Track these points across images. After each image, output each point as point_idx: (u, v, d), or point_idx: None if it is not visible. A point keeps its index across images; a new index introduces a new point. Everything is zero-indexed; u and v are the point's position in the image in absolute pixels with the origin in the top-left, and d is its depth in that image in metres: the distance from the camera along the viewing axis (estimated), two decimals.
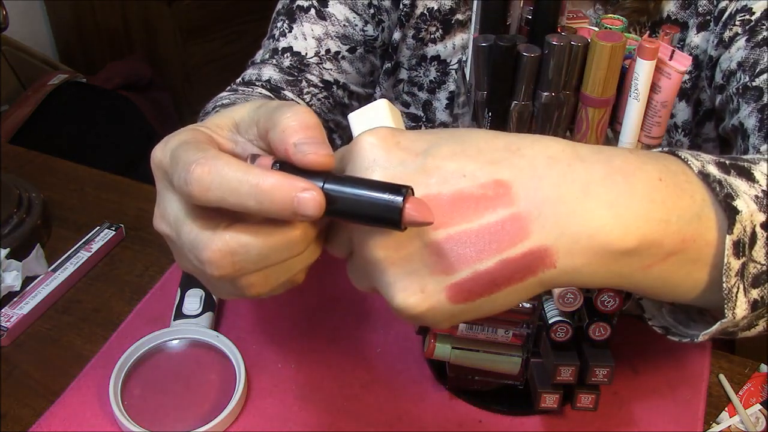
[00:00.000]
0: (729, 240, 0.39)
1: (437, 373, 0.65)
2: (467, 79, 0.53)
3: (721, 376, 0.66)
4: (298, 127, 0.38)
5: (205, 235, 0.38)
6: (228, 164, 0.37)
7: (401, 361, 0.67)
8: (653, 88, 0.48)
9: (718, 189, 0.40)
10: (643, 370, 0.66)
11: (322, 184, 0.37)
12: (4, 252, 0.75)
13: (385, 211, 0.36)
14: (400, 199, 0.36)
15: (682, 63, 0.47)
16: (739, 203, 0.40)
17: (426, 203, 0.36)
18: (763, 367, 0.67)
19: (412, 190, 0.37)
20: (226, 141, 0.42)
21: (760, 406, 0.64)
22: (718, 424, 0.63)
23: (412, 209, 0.36)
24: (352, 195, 0.37)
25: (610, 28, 0.48)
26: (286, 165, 0.38)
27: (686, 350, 0.68)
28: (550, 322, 0.56)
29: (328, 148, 0.38)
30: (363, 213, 0.37)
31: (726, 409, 0.64)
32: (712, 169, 0.41)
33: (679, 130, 0.75)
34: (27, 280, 0.75)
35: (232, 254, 0.38)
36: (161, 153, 0.41)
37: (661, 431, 0.62)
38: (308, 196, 0.36)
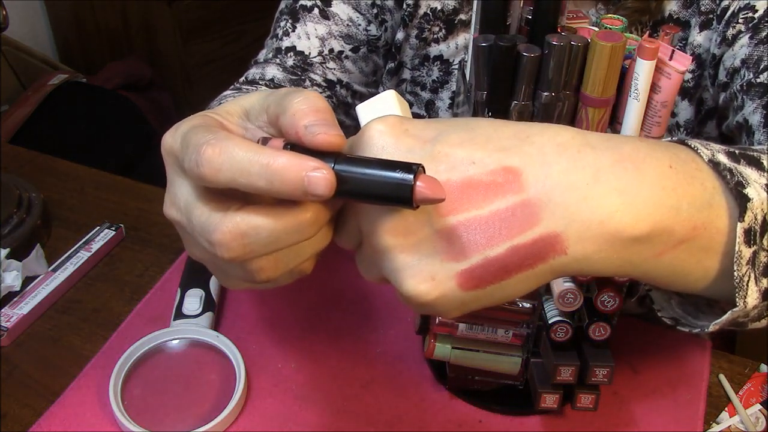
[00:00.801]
0: (740, 228, 0.39)
1: (437, 373, 0.65)
2: (467, 78, 0.53)
3: (721, 376, 0.66)
4: (308, 110, 0.38)
5: (216, 217, 0.38)
6: (238, 145, 0.37)
7: (401, 361, 0.67)
8: (653, 88, 0.48)
9: (728, 177, 0.40)
10: (643, 370, 0.66)
11: (332, 165, 0.37)
12: (4, 252, 0.75)
13: (397, 189, 0.36)
14: (410, 176, 0.36)
15: (682, 63, 0.47)
16: (750, 191, 0.40)
17: (437, 180, 0.36)
18: (763, 367, 0.67)
19: (423, 167, 0.37)
20: (236, 127, 0.42)
21: (760, 406, 0.64)
22: (718, 424, 0.63)
23: (424, 186, 0.36)
24: (363, 174, 0.37)
25: (610, 28, 0.48)
26: (297, 147, 0.38)
27: (686, 350, 0.68)
28: (550, 322, 0.56)
29: (339, 130, 0.38)
30: (374, 192, 0.37)
31: (726, 409, 0.64)
32: (722, 158, 0.41)
33: (681, 129, 0.75)
34: (27, 280, 0.75)
35: (243, 236, 0.37)
36: (171, 138, 0.41)
37: (661, 431, 0.62)
38: (319, 175, 0.36)
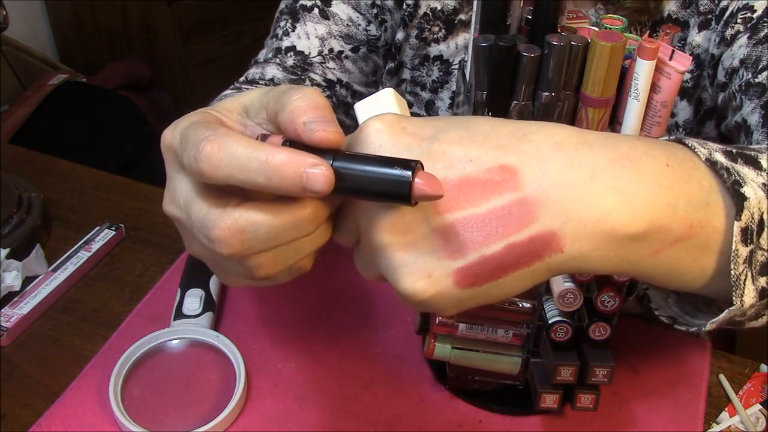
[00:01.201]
0: (737, 227, 0.39)
1: (437, 373, 0.65)
2: (467, 78, 0.53)
3: (721, 376, 0.66)
4: (307, 107, 0.38)
5: (214, 213, 0.38)
6: (237, 141, 0.37)
7: (401, 361, 0.67)
8: (653, 88, 0.48)
9: (725, 176, 0.40)
10: (643, 370, 0.66)
11: (331, 161, 0.37)
12: (4, 252, 0.75)
13: (395, 186, 0.36)
14: (409, 173, 0.36)
15: (682, 63, 0.47)
16: (746, 190, 0.40)
17: (435, 177, 0.36)
18: (763, 367, 0.67)
19: (421, 164, 0.37)
20: (235, 124, 0.42)
21: (760, 406, 0.64)
22: (718, 424, 0.63)
23: (422, 183, 0.36)
24: (362, 171, 0.37)
25: (610, 28, 0.48)
26: (296, 144, 0.38)
27: (686, 350, 0.68)
28: (550, 322, 0.56)
29: (338, 127, 0.38)
30: (373, 189, 0.37)
31: (726, 409, 0.64)
32: (719, 157, 0.41)
33: (680, 130, 0.75)
34: (27, 280, 0.75)
35: (241, 232, 0.37)
36: (171, 135, 0.41)
37: (661, 431, 0.62)
38: (317, 171, 0.36)
